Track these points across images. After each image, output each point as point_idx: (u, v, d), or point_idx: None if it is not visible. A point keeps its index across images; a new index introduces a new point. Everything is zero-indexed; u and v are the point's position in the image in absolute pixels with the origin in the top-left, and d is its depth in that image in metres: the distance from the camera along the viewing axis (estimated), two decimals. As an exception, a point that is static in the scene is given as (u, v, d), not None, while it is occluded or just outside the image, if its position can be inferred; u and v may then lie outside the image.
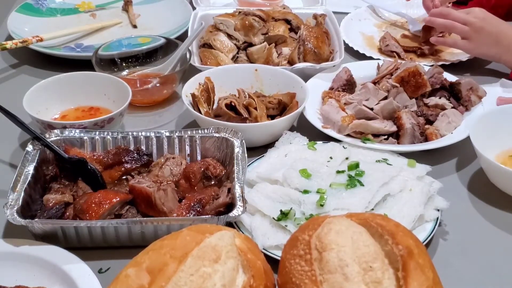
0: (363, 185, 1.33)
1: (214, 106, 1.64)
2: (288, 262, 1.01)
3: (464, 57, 1.93)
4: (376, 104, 1.58)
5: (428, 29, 2.03)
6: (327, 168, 1.39)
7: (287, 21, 1.98)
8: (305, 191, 1.32)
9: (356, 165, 1.38)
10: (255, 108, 1.59)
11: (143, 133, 1.45)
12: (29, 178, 1.30)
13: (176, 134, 1.45)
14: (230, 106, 1.60)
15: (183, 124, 1.68)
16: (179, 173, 1.38)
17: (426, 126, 1.57)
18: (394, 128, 1.55)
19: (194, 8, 2.10)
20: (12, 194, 1.25)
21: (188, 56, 1.77)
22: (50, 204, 1.28)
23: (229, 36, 1.90)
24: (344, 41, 1.92)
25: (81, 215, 1.25)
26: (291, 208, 1.29)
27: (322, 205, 1.28)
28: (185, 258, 0.96)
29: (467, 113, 1.63)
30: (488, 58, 1.89)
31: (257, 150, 1.52)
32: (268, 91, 1.71)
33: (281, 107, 1.64)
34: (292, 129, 1.60)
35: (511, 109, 1.55)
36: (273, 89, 1.71)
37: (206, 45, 1.89)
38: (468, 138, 1.55)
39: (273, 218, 1.28)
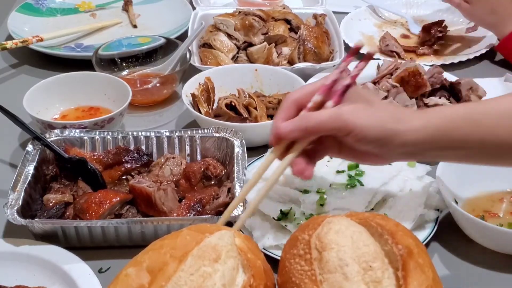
0: (363, 185, 1.33)
1: (214, 106, 1.64)
2: (288, 261, 1.01)
3: (464, 57, 1.93)
4: (376, 104, 1.58)
5: (428, 29, 2.04)
6: (327, 168, 1.39)
7: (287, 21, 1.98)
8: (305, 191, 1.32)
9: (356, 165, 1.38)
10: (255, 108, 1.59)
11: (143, 133, 1.45)
12: (29, 178, 1.30)
13: (176, 134, 1.45)
14: (230, 106, 1.60)
15: (183, 124, 1.68)
16: (179, 173, 1.38)
17: (426, 126, 1.57)
18: (394, 128, 1.55)
19: (194, 8, 2.10)
20: (12, 194, 1.25)
21: (188, 56, 1.77)
22: (50, 204, 1.28)
23: (229, 36, 1.90)
24: (344, 41, 1.92)
25: (81, 214, 1.25)
26: (291, 208, 1.29)
27: (322, 205, 1.28)
28: (185, 257, 0.96)
29: (467, 113, 1.63)
30: (486, 26, 1.95)
31: (257, 150, 1.52)
32: (268, 91, 1.72)
33: (281, 107, 1.64)
34: (292, 129, 1.59)
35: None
36: (273, 89, 1.71)
37: (206, 45, 1.89)
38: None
39: (273, 218, 1.28)
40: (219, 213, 1.27)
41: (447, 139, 1.08)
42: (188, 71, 1.76)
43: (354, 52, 1.17)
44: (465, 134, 1.08)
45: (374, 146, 1.08)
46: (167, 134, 1.45)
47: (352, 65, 1.15)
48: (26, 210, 1.25)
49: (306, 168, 1.11)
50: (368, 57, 1.14)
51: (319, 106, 1.10)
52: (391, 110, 1.11)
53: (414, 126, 1.07)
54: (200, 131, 1.45)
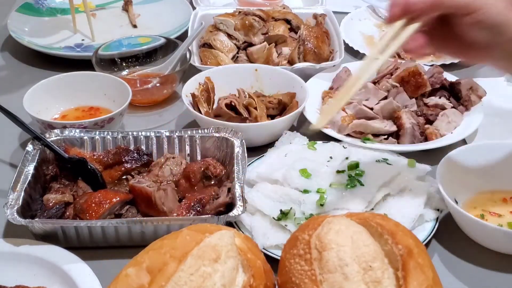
0: (363, 185, 1.33)
1: (214, 106, 1.64)
2: (288, 261, 1.01)
3: (464, 57, 1.93)
4: (376, 104, 1.58)
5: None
6: (327, 168, 1.39)
7: (287, 21, 1.98)
8: (305, 191, 1.32)
9: (356, 165, 1.38)
10: (255, 108, 1.59)
11: (143, 133, 1.45)
12: (29, 178, 1.30)
13: (176, 134, 1.45)
14: (230, 106, 1.60)
15: (183, 124, 1.68)
16: (179, 173, 1.38)
17: (426, 126, 1.57)
18: (394, 128, 1.55)
19: (194, 8, 2.10)
20: (12, 194, 1.25)
21: (188, 56, 1.77)
22: (50, 204, 1.28)
23: (229, 36, 1.90)
24: (344, 41, 1.92)
25: (81, 214, 1.25)
26: (291, 208, 1.29)
27: (322, 205, 1.28)
28: (185, 257, 0.96)
29: (467, 113, 1.63)
30: None
31: (257, 150, 1.52)
32: (268, 91, 1.71)
33: (281, 107, 1.64)
34: (292, 129, 1.60)
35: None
36: (273, 89, 1.71)
37: (206, 45, 1.89)
38: (468, 137, 1.55)
39: (273, 218, 1.28)
40: (219, 213, 1.27)
41: None
42: (188, 71, 1.76)
43: None
44: None
45: (488, 33, 1.07)
46: (167, 134, 1.45)
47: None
48: (26, 210, 1.25)
49: (423, 45, 1.12)
50: None
51: None
52: None
53: None
54: (200, 131, 1.45)
